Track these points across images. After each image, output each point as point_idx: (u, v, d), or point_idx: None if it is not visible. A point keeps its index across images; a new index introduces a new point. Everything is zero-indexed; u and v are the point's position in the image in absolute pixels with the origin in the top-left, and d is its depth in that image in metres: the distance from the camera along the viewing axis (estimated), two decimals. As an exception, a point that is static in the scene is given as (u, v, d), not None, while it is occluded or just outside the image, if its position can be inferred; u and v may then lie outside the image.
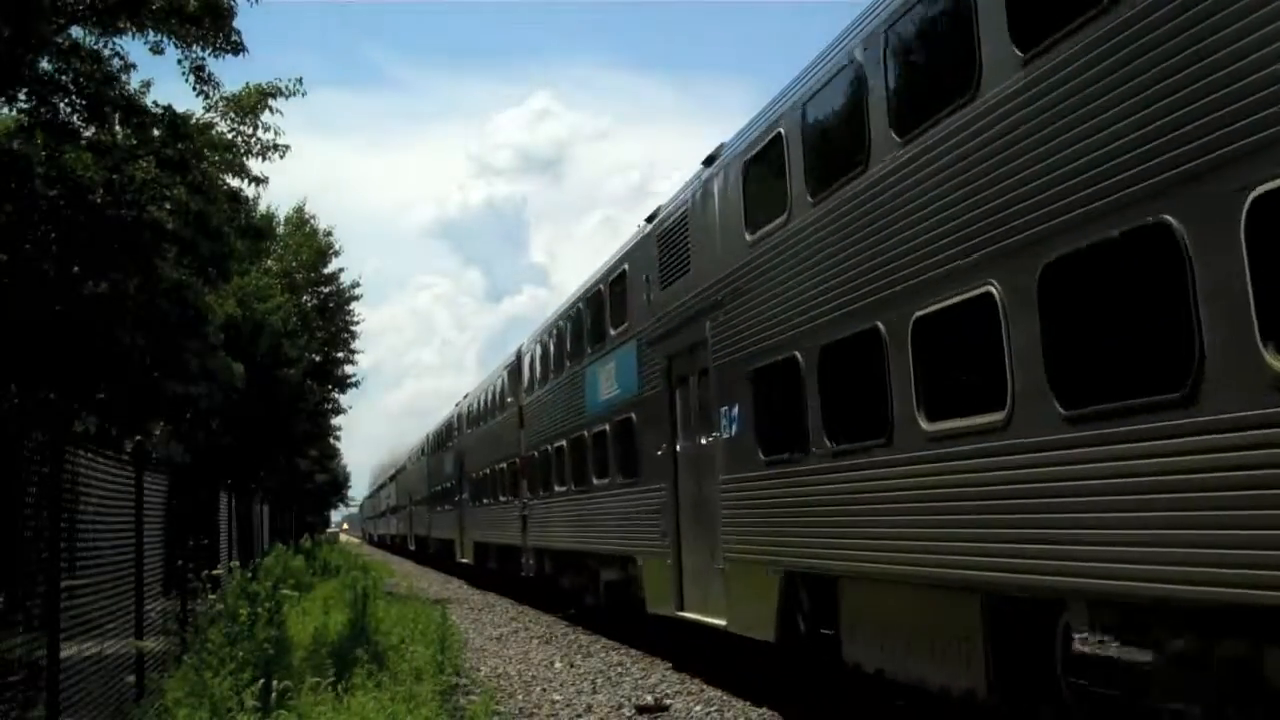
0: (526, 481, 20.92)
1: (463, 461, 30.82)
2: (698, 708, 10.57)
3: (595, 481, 15.50)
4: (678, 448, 12.22)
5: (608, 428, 14.82)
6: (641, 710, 10.59)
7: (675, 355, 12.22)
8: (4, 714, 6.30)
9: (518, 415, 22.10)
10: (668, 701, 10.90)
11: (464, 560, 31.19)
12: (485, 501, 26.49)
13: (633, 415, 13.69)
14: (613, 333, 14.87)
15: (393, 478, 65.66)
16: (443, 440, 36.87)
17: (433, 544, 40.43)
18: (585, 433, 16.11)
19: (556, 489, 18.06)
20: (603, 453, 15.19)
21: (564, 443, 17.54)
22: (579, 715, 10.63)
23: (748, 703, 10.56)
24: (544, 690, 12.13)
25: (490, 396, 26.52)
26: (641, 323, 13.44)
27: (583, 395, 16.42)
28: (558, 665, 14.06)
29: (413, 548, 49.61)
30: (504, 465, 23.71)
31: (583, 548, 16.67)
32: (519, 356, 22.45)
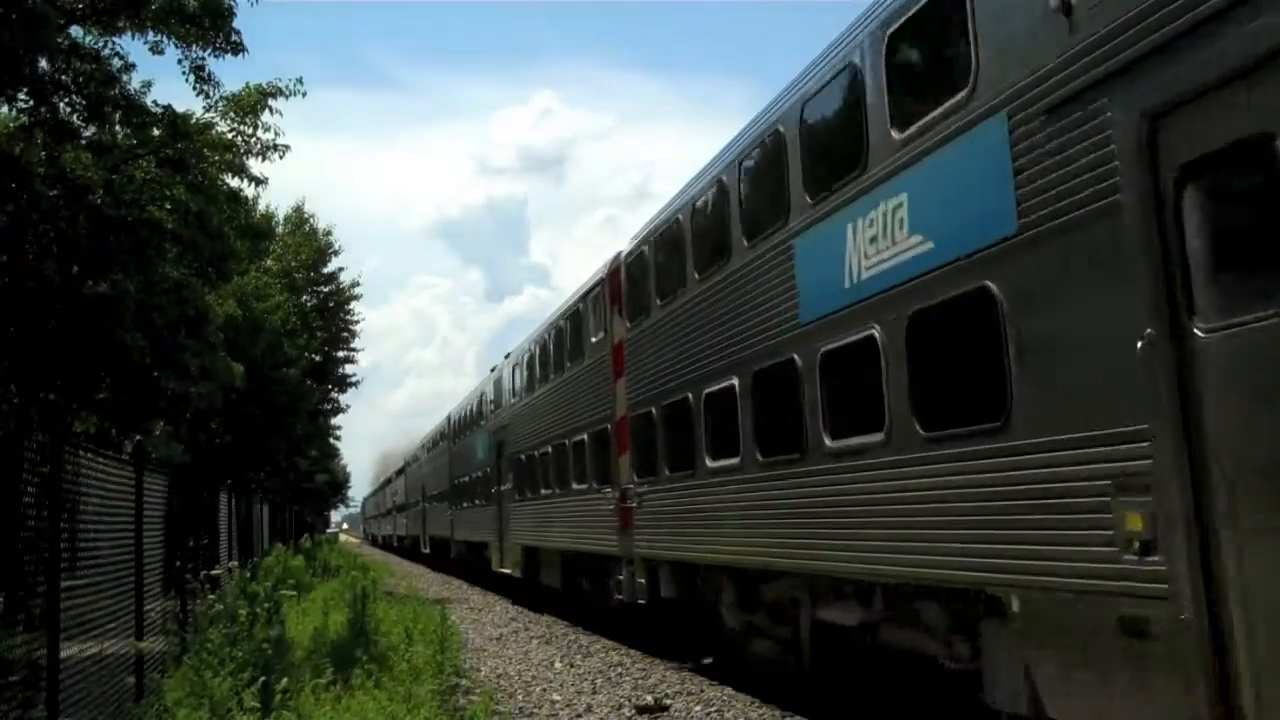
0: (631, 457, 13.99)
1: (503, 442, 23.82)
2: (698, 708, 10.57)
3: (830, 443, 8.39)
4: (1198, 331, 5.03)
5: (877, 334, 7.63)
6: (641, 710, 10.59)
7: (1185, 101, 5.09)
8: (4, 714, 6.30)
9: (610, 360, 14.92)
10: (668, 701, 10.90)
11: (504, 571, 23.97)
12: (544, 492, 19.32)
13: (990, 288, 6.41)
14: (902, 134, 7.46)
15: (400, 471, 58.18)
16: (471, 420, 29.80)
17: (456, 548, 33.34)
18: (795, 356, 8.92)
19: (709, 463, 11.00)
20: (850, 385, 8.19)
21: (731, 383, 10.36)
22: (579, 715, 10.64)
23: (748, 703, 10.57)
24: (544, 690, 12.13)
25: (552, 345, 19.14)
26: (1029, 67, 6.15)
27: (791, 289, 9.08)
28: (558, 665, 14.06)
29: (426, 550, 42.48)
30: (581, 438, 16.52)
31: (770, 563, 9.70)
32: (617, 268, 14.78)
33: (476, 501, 27.83)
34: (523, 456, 21.31)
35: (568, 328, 17.92)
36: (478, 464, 27.72)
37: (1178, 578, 5.00)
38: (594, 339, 16.05)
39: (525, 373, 21.67)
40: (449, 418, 35.31)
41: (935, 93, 7.17)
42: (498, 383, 25.37)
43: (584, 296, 16.81)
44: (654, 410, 12.82)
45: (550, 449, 18.76)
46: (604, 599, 15.99)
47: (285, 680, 8.57)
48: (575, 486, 16.87)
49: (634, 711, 10.60)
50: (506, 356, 24.67)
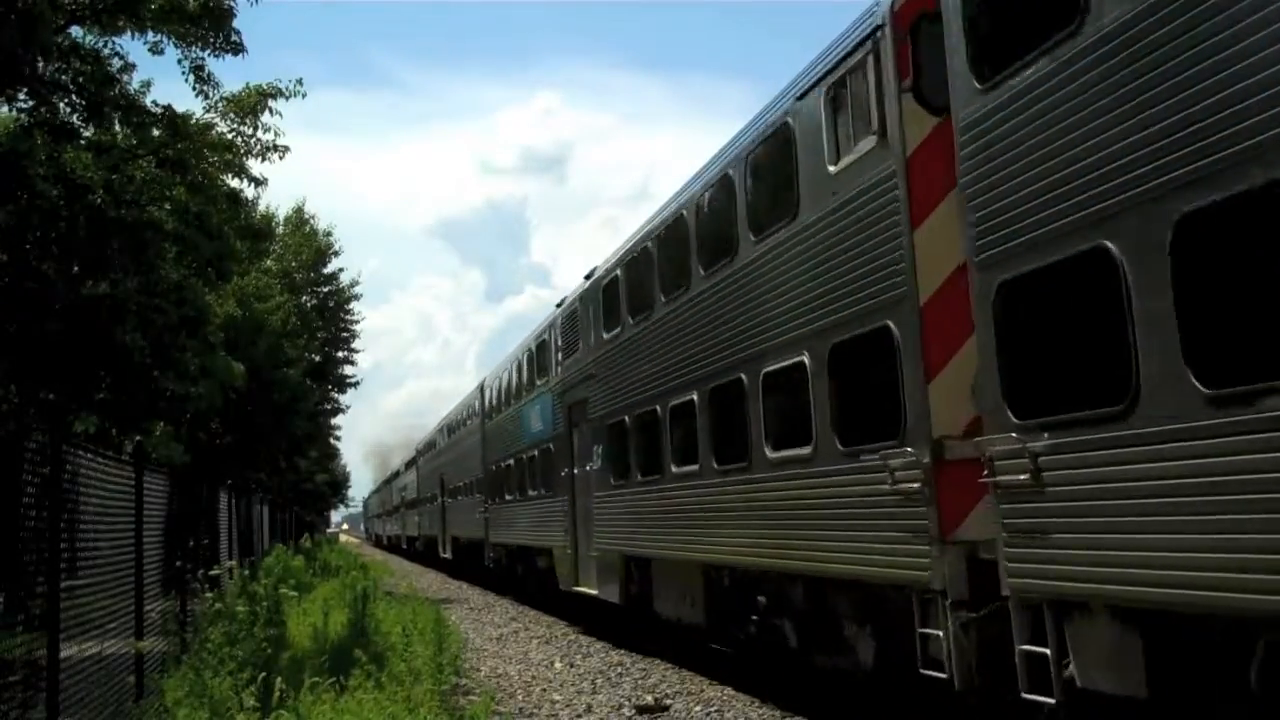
0: (988, 371, 6.49)
1: (581, 404, 16.51)
2: (698, 708, 10.57)
3: None
4: None
5: None
6: (641, 710, 10.60)
7: None
8: (4, 714, 6.30)
9: (899, 186, 7.55)
10: (668, 701, 10.90)
11: (583, 590, 16.80)
12: (676, 470, 12.15)
13: None
14: None
15: (411, 462, 50.27)
16: (520, 384, 22.22)
17: (492, 553, 26.22)
18: None
19: None
20: None
21: None
22: (579, 715, 10.64)
23: (748, 703, 10.57)
24: (544, 690, 12.14)
25: (707, 207, 11.35)
26: None
27: None
28: (558, 665, 14.06)
29: (446, 554, 35.43)
30: (790, 361, 9.13)
31: None
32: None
33: (531, 491, 20.56)
34: (624, 420, 14.12)
35: (747, 169, 10.29)
36: (531, 441, 20.62)
37: None
38: (833, 168, 8.49)
39: (629, 283, 14.07)
40: (482, 387, 27.76)
41: None
42: (570, 320, 17.55)
43: (814, 86, 8.82)
44: (1113, 245, 5.39)
45: (695, 396, 11.47)
46: (831, 659, 9.11)
47: (281, 679, 8.57)
48: (768, 454, 9.64)
49: (634, 711, 10.60)
50: (588, 277, 16.57)
